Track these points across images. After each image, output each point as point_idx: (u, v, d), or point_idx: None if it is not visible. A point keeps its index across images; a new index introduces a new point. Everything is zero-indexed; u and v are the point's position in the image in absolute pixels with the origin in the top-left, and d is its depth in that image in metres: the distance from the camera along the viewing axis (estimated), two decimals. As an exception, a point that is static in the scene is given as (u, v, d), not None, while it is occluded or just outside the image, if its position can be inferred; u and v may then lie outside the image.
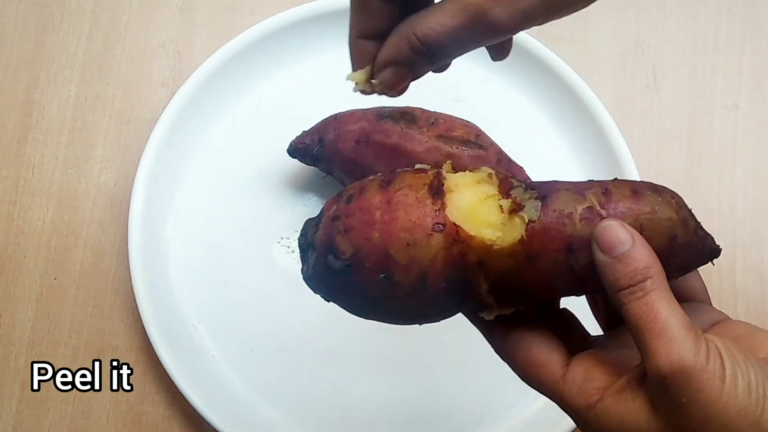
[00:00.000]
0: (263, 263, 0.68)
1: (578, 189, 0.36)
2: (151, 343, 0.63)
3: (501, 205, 0.36)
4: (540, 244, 0.35)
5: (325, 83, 0.71)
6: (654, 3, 0.76)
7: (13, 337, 0.67)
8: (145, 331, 0.64)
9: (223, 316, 0.67)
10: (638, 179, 0.64)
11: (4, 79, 0.71)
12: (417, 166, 0.38)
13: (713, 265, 0.38)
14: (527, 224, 0.35)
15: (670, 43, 0.75)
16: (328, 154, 0.64)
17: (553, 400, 0.37)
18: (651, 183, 0.38)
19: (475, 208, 0.36)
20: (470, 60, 0.45)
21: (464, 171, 0.38)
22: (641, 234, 0.35)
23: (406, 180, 0.36)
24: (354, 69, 0.40)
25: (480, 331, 0.39)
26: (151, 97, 0.72)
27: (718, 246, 0.38)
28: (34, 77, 0.72)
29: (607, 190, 0.36)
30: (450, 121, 0.63)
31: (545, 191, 0.36)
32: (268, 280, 0.67)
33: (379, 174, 0.38)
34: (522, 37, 0.70)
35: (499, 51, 0.45)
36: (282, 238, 0.68)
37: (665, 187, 0.38)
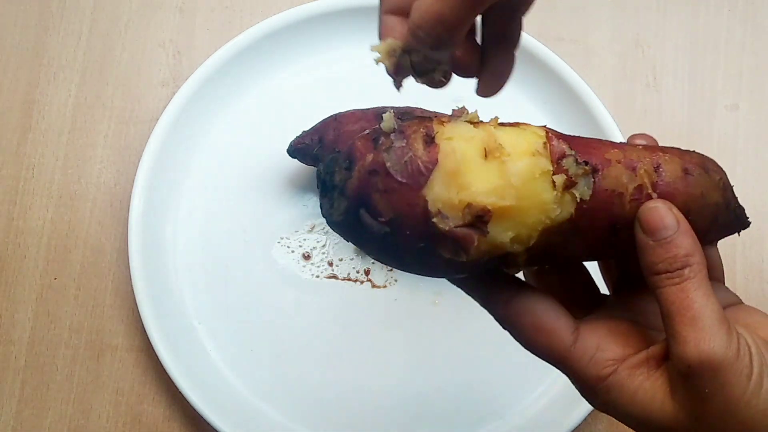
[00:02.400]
0: (263, 263, 0.68)
1: (629, 162, 0.35)
2: (151, 343, 0.63)
3: (554, 181, 0.34)
4: (587, 223, 0.34)
5: (325, 83, 0.71)
6: (654, 3, 0.76)
7: (13, 337, 0.67)
8: (145, 331, 0.64)
9: (223, 316, 0.67)
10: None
11: (4, 79, 0.71)
12: (454, 108, 0.36)
13: (739, 235, 0.38)
14: (578, 203, 0.34)
15: (670, 43, 0.75)
16: (328, 154, 0.64)
17: (560, 368, 0.36)
18: (699, 156, 0.37)
19: (530, 184, 0.34)
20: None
21: (512, 126, 0.36)
22: (687, 216, 0.35)
23: (454, 141, 0.34)
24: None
25: (479, 300, 0.38)
26: (151, 97, 0.72)
27: (749, 219, 0.38)
28: (34, 77, 0.72)
29: (659, 166, 0.35)
30: (450, 121, 0.63)
31: (596, 162, 0.35)
32: (268, 280, 0.67)
33: (415, 118, 0.35)
34: (522, 37, 0.70)
35: (490, 85, 0.41)
36: (282, 238, 0.68)
37: (712, 162, 0.37)
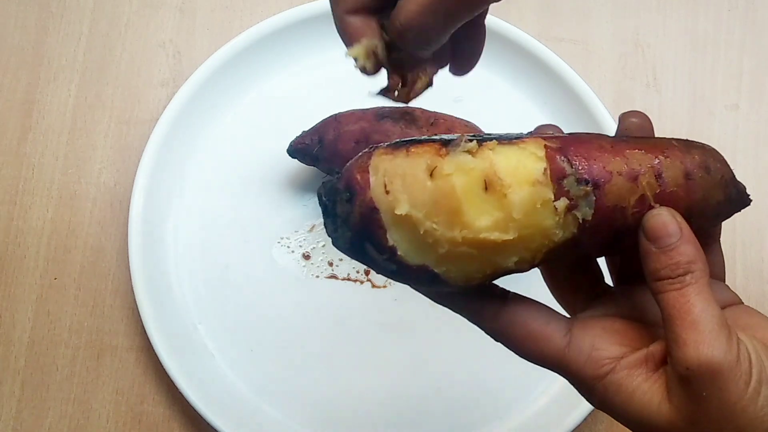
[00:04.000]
0: (263, 263, 0.68)
1: (630, 173, 0.35)
2: (151, 343, 0.63)
3: (556, 207, 0.34)
4: (590, 238, 0.35)
5: (325, 83, 0.71)
6: (654, 3, 0.76)
7: (13, 337, 0.67)
8: (145, 331, 0.64)
9: (223, 316, 0.67)
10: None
11: (4, 79, 0.71)
12: (444, 137, 0.35)
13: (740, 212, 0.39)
14: (580, 223, 0.34)
15: (670, 43, 0.75)
16: (328, 154, 0.64)
17: (557, 371, 0.36)
18: (701, 154, 0.37)
19: (532, 215, 0.34)
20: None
21: (510, 144, 0.35)
22: (690, 219, 0.35)
23: (453, 176, 0.34)
24: (348, 46, 0.37)
25: (468, 317, 0.38)
26: (151, 97, 0.72)
27: (749, 197, 0.38)
28: (34, 77, 0.72)
29: (660, 175, 0.35)
30: (450, 121, 0.63)
31: (597, 177, 0.35)
32: (268, 280, 0.67)
33: (411, 147, 0.34)
34: (522, 37, 0.70)
35: (462, 65, 0.41)
36: (282, 238, 0.68)
37: (713, 158, 0.37)
